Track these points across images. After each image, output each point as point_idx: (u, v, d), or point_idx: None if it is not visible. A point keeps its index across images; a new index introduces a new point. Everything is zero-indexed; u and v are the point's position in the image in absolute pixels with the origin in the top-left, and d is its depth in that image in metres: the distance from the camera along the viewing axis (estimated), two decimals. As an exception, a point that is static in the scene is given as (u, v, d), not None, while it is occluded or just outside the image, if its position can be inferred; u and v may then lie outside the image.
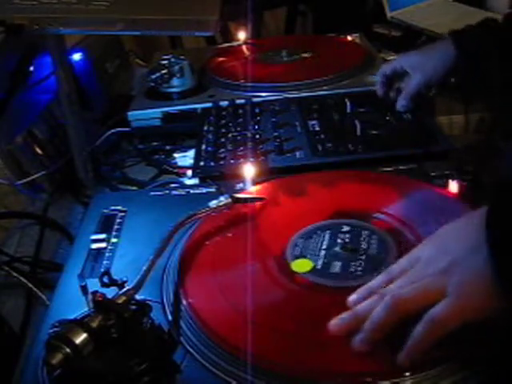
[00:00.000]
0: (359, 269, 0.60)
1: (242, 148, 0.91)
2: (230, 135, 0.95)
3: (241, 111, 1.03)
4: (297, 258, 0.64)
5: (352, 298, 0.56)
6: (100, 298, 0.51)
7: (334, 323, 0.54)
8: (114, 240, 0.71)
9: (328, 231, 0.66)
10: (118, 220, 0.75)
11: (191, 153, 0.98)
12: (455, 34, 0.90)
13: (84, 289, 0.57)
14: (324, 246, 0.64)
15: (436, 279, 0.51)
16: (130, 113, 1.08)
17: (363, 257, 0.62)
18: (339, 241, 0.64)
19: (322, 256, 0.63)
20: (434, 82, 0.94)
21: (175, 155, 1.01)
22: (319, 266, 0.62)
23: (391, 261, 0.59)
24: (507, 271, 0.47)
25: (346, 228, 0.66)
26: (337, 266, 0.61)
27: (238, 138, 0.94)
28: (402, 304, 0.51)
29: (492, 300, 0.48)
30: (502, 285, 0.47)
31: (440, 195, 0.71)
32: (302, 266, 0.62)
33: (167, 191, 0.81)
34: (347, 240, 0.64)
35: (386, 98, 0.98)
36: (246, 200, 0.73)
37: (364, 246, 0.63)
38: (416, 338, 0.49)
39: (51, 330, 0.56)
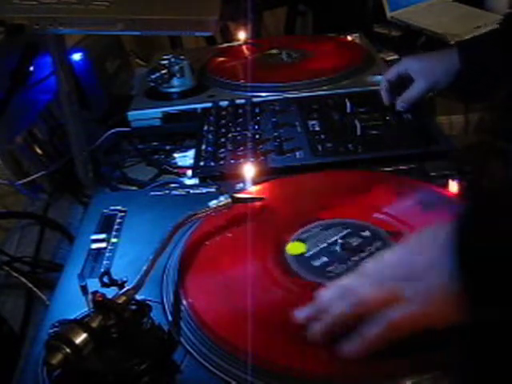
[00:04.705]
0: (337, 271, 0.60)
1: (241, 148, 0.91)
2: (230, 135, 0.95)
3: (241, 111, 1.03)
4: (299, 240, 0.65)
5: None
6: (100, 298, 0.51)
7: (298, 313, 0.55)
8: (113, 240, 0.71)
9: (348, 229, 0.66)
10: (118, 220, 0.75)
11: (191, 153, 0.98)
12: (461, 44, 0.91)
13: (84, 289, 0.57)
14: (330, 241, 0.64)
15: (397, 285, 0.51)
16: (129, 113, 1.08)
17: (352, 263, 0.61)
18: (345, 240, 0.64)
19: (319, 248, 0.63)
20: (437, 89, 0.95)
21: (175, 155, 1.01)
22: (307, 255, 0.62)
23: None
24: (468, 289, 0.47)
25: (366, 233, 0.65)
26: (320, 261, 0.61)
27: (238, 138, 0.94)
28: (363, 303, 0.52)
29: (450, 312, 0.48)
30: (463, 301, 0.47)
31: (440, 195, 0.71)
32: (294, 248, 0.64)
33: (167, 191, 0.81)
34: (355, 243, 0.64)
35: (392, 104, 0.97)
36: (245, 200, 0.73)
37: (365, 253, 0.62)
38: (367, 335, 0.50)
39: (51, 330, 0.56)
